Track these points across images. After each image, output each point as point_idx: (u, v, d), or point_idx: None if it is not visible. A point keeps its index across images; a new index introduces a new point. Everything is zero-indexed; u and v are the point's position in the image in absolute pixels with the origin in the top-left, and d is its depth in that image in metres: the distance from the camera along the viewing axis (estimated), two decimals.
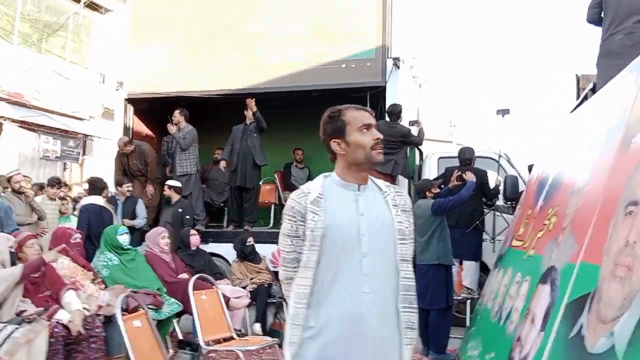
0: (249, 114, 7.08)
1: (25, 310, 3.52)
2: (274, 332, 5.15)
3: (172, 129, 7.10)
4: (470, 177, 5.09)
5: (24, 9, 11.27)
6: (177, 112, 7.09)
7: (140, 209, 6.51)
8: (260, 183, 8.20)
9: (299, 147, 8.31)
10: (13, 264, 3.72)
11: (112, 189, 7.31)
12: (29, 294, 3.72)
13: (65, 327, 3.67)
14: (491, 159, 6.17)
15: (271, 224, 7.77)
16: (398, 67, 6.36)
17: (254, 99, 6.98)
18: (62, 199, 7.18)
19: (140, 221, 6.37)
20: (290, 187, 8.05)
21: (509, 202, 5.78)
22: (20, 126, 10.23)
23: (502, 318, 3.66)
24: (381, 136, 1.86)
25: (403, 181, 6.34)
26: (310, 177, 8.29)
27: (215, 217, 7.97)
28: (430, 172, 6.40)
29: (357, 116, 1.87)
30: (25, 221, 5.84)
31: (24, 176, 6.55)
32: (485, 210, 5.75)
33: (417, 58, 8.13)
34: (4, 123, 9.90)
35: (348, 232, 1.75)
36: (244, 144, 7.17)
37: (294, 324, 1.74)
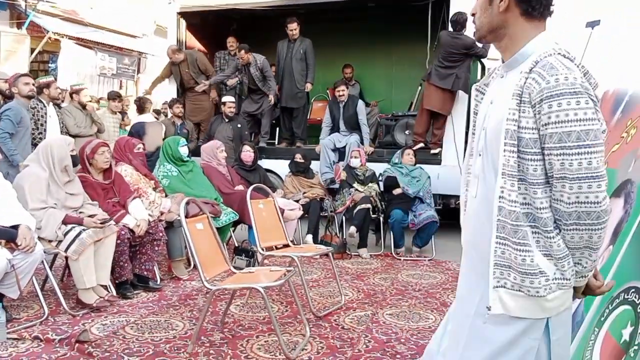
0: (291, 31, 6.84)
1: (95, 215, 3.67)
2: (325, 243, 5.26)
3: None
4: None
5: None
6: (243, 52, 6.73)
7: None
8: (312, 100, 8.11)
9: (348, 64, 8.04)
10: (75, 165, 3.84)
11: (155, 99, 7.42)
12: (99, 198, 3.88)
13: (131, 230, 3.87)
14: None
15: None
16: None
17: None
18: (122, 113, 7.37)
19: None
20: None
21: None
22: (77, 43, 10.38)
23: None
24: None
25: (463, 96, 6.06)
26: (361, 94, 8.10)
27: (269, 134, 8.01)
28: None
29: None
30: (85, 133, 6.04)
31: None
32: None
33: None
34: (61, 40, 10.06)
35: None
36: (287, 62, 6.99)
37: None
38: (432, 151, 6.20)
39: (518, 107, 1.29)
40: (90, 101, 6.15)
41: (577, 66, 1.27)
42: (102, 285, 3.61)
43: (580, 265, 1.31)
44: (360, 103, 6.70)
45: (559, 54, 1.29)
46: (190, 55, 7.24)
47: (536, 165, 1.28)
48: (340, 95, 6.54)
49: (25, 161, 3.79)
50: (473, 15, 1.45)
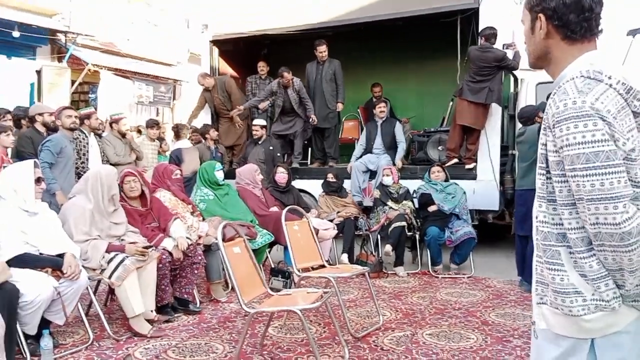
0: (320, 53, 6.93)
1: (136, 242, 3.77)
2: (361, 262, 5.25)
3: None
4: None
5: None
6: (287, 74, 6.84)
7: None
8: (343, 119, 8.17)
9: (377, 83, 8.08)
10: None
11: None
12: (137, 224, 4.00)
13: (171, 254, 3.95)
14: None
15: (355, 160, 7.75)
16: None
17: None
18: (160, 139, 7.60)
19: None
20: None
21: None
22: (115, 73, 10.78)
23: None
24: None
25: (497, 110, 5.99)
26: (392, 112, 8.10)
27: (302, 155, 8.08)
28: (528, 99, 5.97)
29: None
30: (124, 161, 6.24)
31: None
32: None
33: None
34: (100, 71, 10.47)
35: None
36: (317, 84, 7.07)
37: None
38: (467, 166, 6.13)
39: (545, 131, 1.33)
40: (130, 130, 6.38)
41: (612, 85, 1.25)
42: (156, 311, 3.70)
43: (624, 287, 1.28)
44: (398, 124, 6.78)
45: (582, 76, 1.28)
46: (220, 80, 7.44)
47: (561, 186, 1.30)
48: (381, 112, 6.63)
49: (72, 191, 3.93)
50: (525, 44, 1.49)
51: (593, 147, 1.20)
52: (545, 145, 1.33)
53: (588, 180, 1.20)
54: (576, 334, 1.31)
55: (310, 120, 6.92)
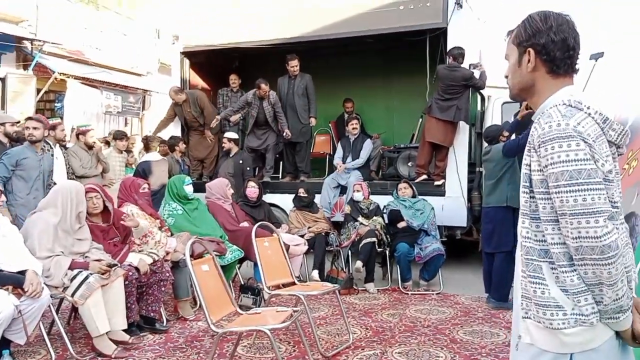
0: (292, 67, 6.97)
1: (101, 260, 3.66)
2: (331, 278, 5.25)
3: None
4: None
5: None
6: (264, 85, 6.81)
7: None
8: (315, 134, 8.21)
9: (349, 99, 8.18)
10: None
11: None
12: (99, 240, 3.88)
13: (138, 269, 3.86)
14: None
15: (326, 175, 7.79)
16: (460, 6, 5.99)
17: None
18: (128, 151, 7.46)
19: None
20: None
21: None
22: (83, 83, 10.56)
23: None
24: None
25: (464, 127, 6.12)
26: (363, 127, 8.18)
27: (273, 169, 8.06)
28: (494, 117, 6.13)
29: None
30: (91, 173, 6.09)
31: None
32: None
33: None
34: (67, 80, 10.24)
35: None
36: (289, 98, 7.08)
37: None
38: (436, 183, 6.22)
39: (529, 153, 1.43)
40: (100, 141, 6.25)
41: (591, 114, 1.36)
42: (123, 330, 3.60)
43: (602, 303, 1.34)
44: (368, 141, 6.91)
45: (564, 104, 1.39)
46: (192, 94, 7.35)
47: (545, 203, 1.38)
48: (353, 128, 6.78)
49: (39, 205, 3.80)
50: (506, 77, 1.59)
51: (576, 165, 1.29)
52: (529, 165, 1.42)
53: (571, 196, 1.29)
54: (557, 348, 1.37)
55: (285, 134, 6.92)
